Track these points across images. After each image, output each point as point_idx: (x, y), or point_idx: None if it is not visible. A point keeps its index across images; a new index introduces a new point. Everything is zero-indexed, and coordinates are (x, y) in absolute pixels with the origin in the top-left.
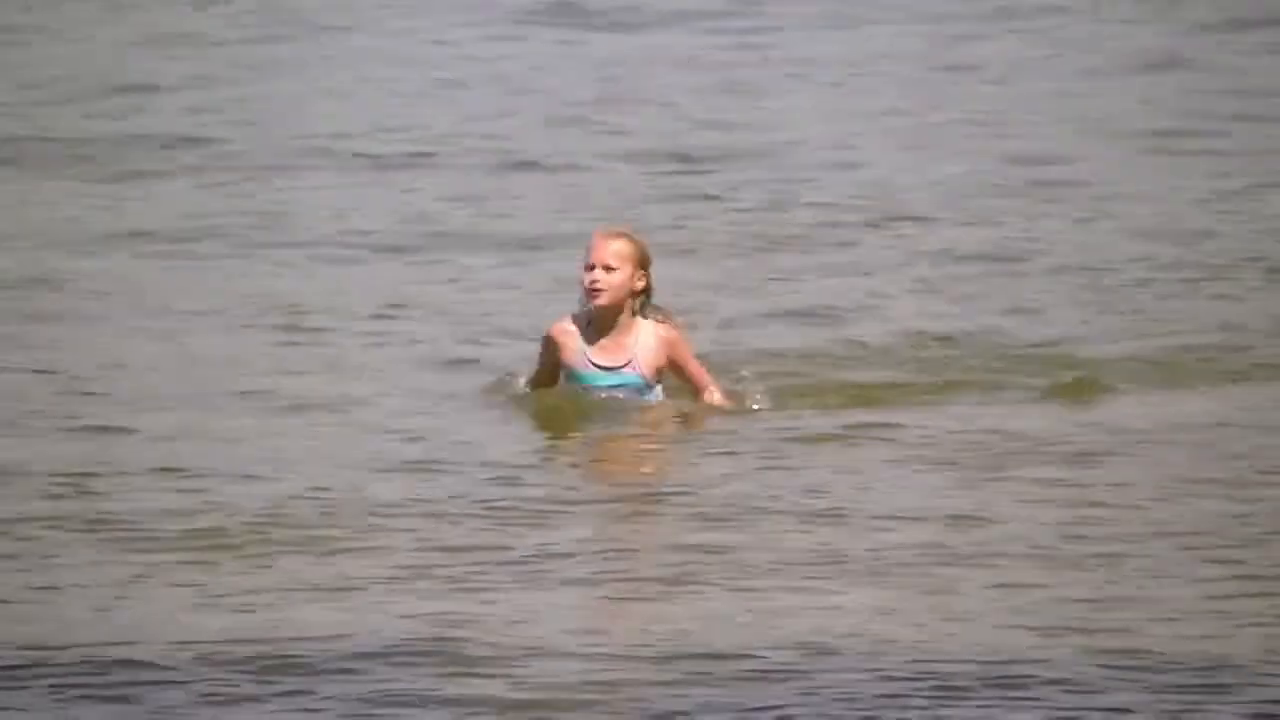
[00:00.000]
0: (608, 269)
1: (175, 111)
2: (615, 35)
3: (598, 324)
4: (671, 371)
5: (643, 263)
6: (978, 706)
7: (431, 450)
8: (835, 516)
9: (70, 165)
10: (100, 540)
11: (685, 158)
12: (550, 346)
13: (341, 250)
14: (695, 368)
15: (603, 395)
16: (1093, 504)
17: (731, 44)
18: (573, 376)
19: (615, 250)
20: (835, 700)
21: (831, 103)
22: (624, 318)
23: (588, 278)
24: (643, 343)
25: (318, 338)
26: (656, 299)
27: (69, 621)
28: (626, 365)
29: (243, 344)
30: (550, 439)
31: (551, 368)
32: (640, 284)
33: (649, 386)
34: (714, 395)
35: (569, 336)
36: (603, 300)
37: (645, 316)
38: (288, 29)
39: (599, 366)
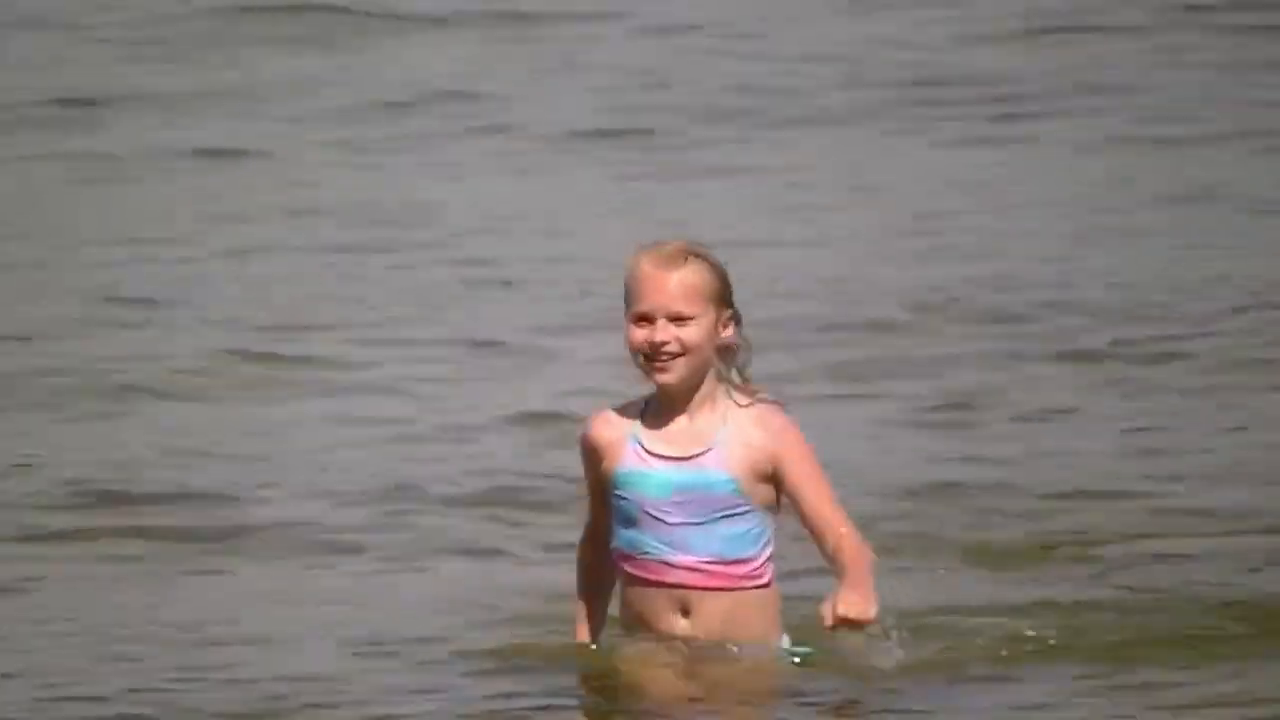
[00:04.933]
0: (679, 319)
1: None
2: None
3: (660, 404)
4: (777, 485)
5: (726, 297)
6: None
7: None
8: None
9: None
10: None
11: None
12: (590, 455)
13: None
14: (817, 488)
15: (665, 508)
16: None
17: None
18: (619, 484)
19: (684, 285)
20: None
21: None
22: (704, 390)
23: (643, 339)
24: (733, 426)
25: None
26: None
27: None
28: (704, 454)
29: None
30: None
31: (600, 496)
32: (727, 332)
33: (743, 496)
34: (854, 566)
35: (610, 428)
36: (674, 376)
37: (736, 392)
38: None
39: (660, 457)
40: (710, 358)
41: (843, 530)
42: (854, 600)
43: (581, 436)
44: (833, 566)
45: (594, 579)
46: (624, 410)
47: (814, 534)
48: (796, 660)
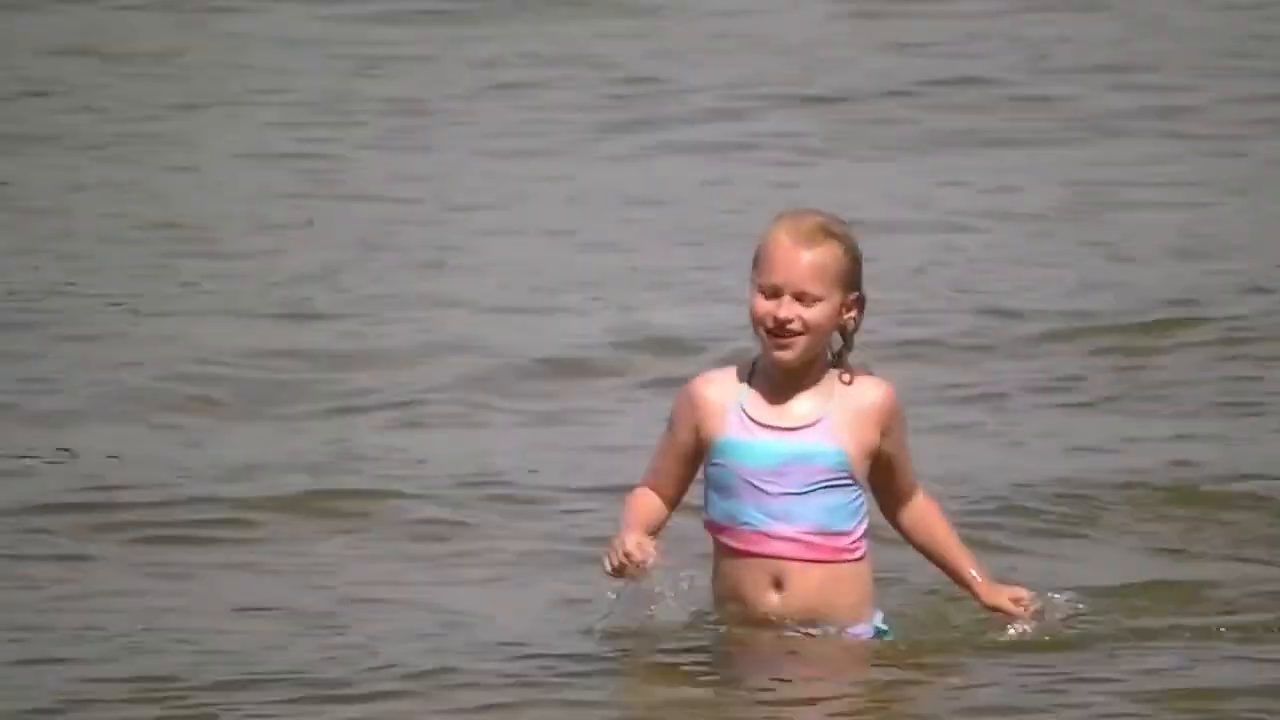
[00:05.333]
0: (805, 299)
1: None
2: None
3: (770, 373)
4: (873, 460)
5: (855, 280)
6: None
7: None
8: None
9: None
10: None
11: None
12: (690, 412)
13: None
14: (908, 458)
15: (768, 478)
16: None
17: None
18: (719, 452)
19: (816, 266)
20: None
21: None
22: (816, 366)
23: (768, 312)
24: (840, 400)
25: None
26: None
27: None
28: (813, 425)
29: None
30: None
31: (681, 456)
32: (850, 314)
33: (849, 469)
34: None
35: (715, 389)
36: (793, 354)
37: (845, 375)
38: None
39: (765, 426)
40: (829, 337)
41: (922, 499)
42: (1015, 593)
43: (685, 392)
44: (913, 536)
45: (642, 503)
46: (730, 373)
47: (893, 498)
48: (886, 633)
